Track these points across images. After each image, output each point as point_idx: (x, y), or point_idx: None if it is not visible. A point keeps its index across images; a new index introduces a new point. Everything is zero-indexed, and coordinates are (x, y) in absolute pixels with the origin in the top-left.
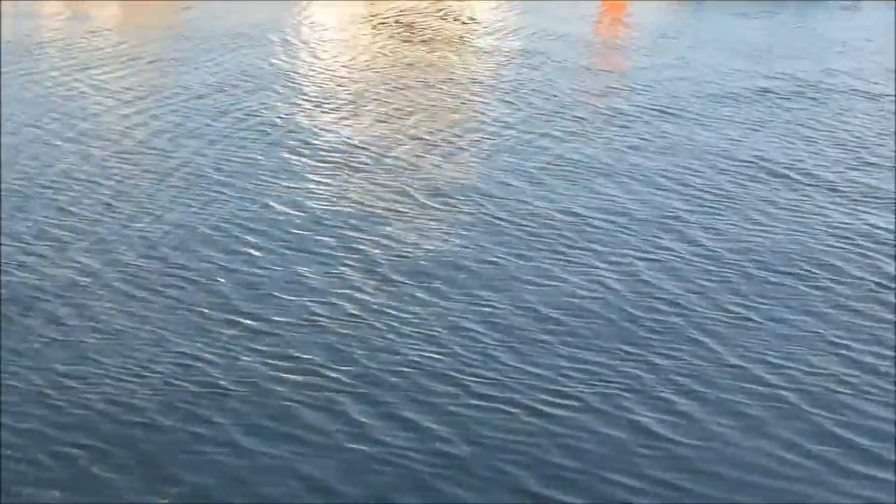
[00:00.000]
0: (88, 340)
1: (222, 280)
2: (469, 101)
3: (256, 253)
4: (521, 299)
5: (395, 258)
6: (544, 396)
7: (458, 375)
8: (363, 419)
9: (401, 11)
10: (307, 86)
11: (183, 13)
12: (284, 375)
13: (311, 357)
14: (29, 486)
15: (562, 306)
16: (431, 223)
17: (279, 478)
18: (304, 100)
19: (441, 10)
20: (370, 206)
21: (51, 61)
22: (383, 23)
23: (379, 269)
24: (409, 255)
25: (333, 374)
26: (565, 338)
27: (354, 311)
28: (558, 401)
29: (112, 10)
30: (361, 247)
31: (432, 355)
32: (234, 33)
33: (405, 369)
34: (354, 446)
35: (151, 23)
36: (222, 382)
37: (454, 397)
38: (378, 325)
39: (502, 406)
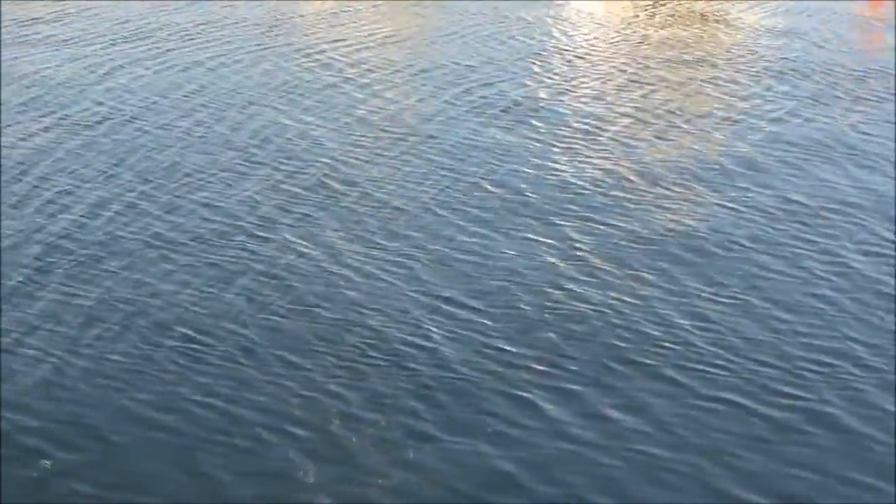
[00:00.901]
0: (281, 315)
1: (427, 260)
2: (726, 80)
3: (460, 236)
4: (756, 286)
5: (630, 241)
6: (766, 395)
7: (683, 367)
8: (558, 414)
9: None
10: (559, 67)
11: (438, 11)
12: (485, 363)
13: (509, 346)
14: None
15: (796, 292)
16: (665, 203)
17: (470, 471)
18: (552, 81)
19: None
20: (602, 186)
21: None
22: (648, 10)
23: (613, 251)
24: (642, 237)
25: (533, 365)
26: (801, 327)
27: (574, 299)
28: (780, 401)
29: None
30: (589, 227)
31: (661, 345)
32: (491, 24)
33: (638, 359)
34: (549, 441)
35: (408, 19)
36: (424, 378)
37: (668, 394)
38: (602, 313)
39: (712, 405)
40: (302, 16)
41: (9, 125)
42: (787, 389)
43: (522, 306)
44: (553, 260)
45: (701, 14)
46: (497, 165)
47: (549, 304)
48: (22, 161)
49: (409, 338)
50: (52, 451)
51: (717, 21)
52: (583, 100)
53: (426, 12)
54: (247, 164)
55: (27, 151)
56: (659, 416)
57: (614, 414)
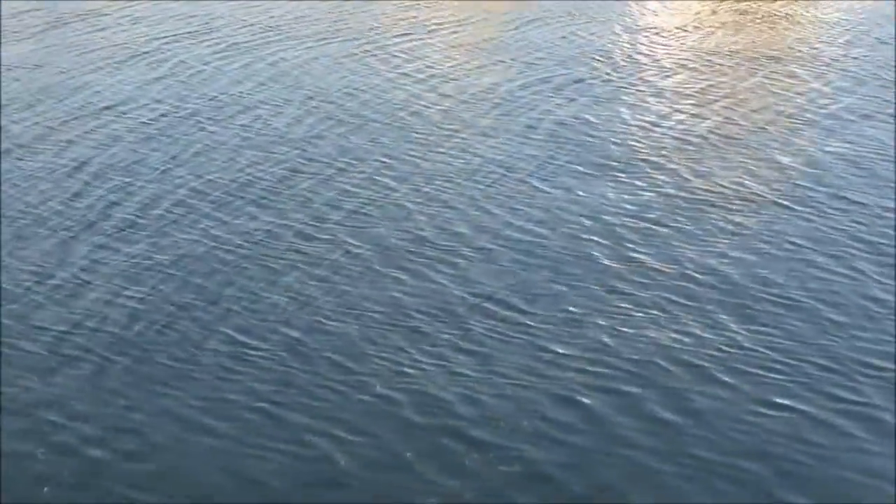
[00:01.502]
0: (329, 316)
1: (476, 259)
2: (786, 78)
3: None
4: (811, 287)
5: (681, 239)
6: (818, 398)
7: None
8: (608, 416)
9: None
10: (611, 65)
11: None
12: (534, 365)
13: (558, 347)
14: None
15: (851, 295)
16: (718, 201)
17: (519, 475)
18: (604, 79)
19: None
20: (654, 183)
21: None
22: (712, 9)
23: (663, 250)
24: (694, 234)
25: (582, 367)
26: (854, 330)
27: (623, 301)
28: (832, 404)
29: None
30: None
31: (712, 347)
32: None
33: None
34: (599, 443)
35: (474, 14)
36: (473, 380)
37: (719, 397)
38: (652, 315)
39: (760, 409)
40: (363, 12)
41: (67, 119)
42: (838, 392)
43: (572, 307)
44: (602, 259)
45: (764, 13)
46: (546, 162)
47: (598, 304)
48: (76, 157)
49: (458, 341)
50: (94, 450)
51: (779, 19)
52: (630, 102)
53: (496, 7)
54: (300, 160)
55: (86, 148)
56: (710, 418)
57: (665, 416)
